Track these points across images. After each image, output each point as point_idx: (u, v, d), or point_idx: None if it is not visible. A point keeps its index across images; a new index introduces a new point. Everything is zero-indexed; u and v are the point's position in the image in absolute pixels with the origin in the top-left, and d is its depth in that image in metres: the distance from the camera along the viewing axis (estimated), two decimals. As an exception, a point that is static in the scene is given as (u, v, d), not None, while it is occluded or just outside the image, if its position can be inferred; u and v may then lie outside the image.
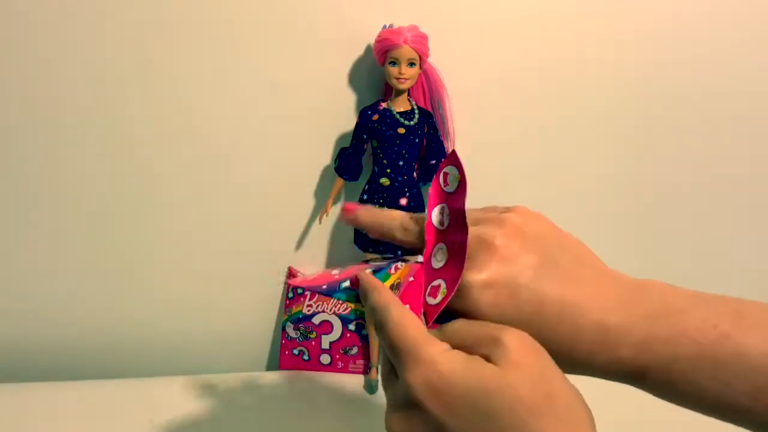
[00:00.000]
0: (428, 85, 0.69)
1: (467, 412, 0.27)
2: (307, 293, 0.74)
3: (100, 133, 0.69)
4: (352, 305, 0.35)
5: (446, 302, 0.31)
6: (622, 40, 0.73)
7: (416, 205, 0.69)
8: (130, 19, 0.66)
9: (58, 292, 0.74)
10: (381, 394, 0.71)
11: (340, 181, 0.69)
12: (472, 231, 0.33)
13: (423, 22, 0.66)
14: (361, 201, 0.69)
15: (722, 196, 0.80)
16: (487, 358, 0.28)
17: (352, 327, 0.74)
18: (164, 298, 0.76)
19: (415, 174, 0.69)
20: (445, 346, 0.29)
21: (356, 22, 0.67)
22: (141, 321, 0.76)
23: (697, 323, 0.30)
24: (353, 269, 0.36)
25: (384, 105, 0.68)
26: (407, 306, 0.32)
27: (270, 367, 0.80)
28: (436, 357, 0.28)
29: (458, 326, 0.31)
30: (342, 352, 0.75)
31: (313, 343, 0.75)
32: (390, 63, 0.65)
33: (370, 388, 0.72)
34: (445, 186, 0.35)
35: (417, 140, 0.68)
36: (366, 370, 0.76)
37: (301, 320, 0.75)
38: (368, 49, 0.68)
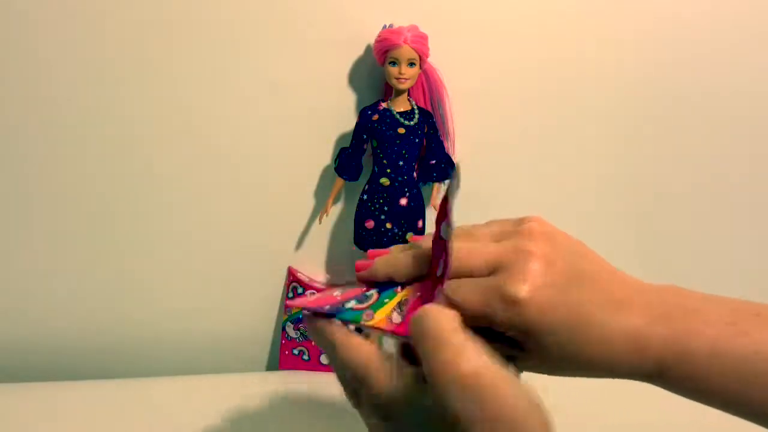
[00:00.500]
0: (428, 85, 0.69)
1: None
2: (307, 293, 0.74)
3: (100, 133, 0.69)
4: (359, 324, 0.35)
5: (450, 261, 0.32)
6: (622, 40, 0.73)
7: (416, 205, 0.69)
8: (130, 19, 0.66)
9: (58, 292, 0.74)
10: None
11: (340, 181, 0.69)
12: (504, 244, 0.34)
13: (423, 22, 0.66)
14: (361, 201, 0.69)
15: (722, 196, 0.80)
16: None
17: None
18: (164, 298, 0.76)
19: (415, 174, 0.69)
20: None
21: (356, 22, 0.67)
22: (141, 321, 0.76)
23: (713, 320, 0.31)
24: (356, 290, 0.36)
25: (384, 105, 0.68)
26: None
27: (270, 367, 0.80)
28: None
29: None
30: (342, 352, 0.75)
31: (313, 343, 0.75)
32: (390, 63, 0.65)
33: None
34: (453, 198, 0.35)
35: (417, 140, 0.68)
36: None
37: (301, 320, 0.75)
38: (368, 49, 0.68)
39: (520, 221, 0.35)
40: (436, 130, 0.69)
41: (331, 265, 0.77)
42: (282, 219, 0.74)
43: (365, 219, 0.69)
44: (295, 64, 0.69)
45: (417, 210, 0.69)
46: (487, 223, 0.37)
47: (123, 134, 0.69)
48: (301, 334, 0.75)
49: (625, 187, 0.78)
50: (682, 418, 0.54)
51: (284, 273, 0.76)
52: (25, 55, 0.66)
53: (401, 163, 0.68)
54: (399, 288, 0.35)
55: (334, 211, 0.74)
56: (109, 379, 0.72)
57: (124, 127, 0.69)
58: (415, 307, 0.33)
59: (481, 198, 0.75)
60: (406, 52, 0.64)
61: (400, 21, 0.65)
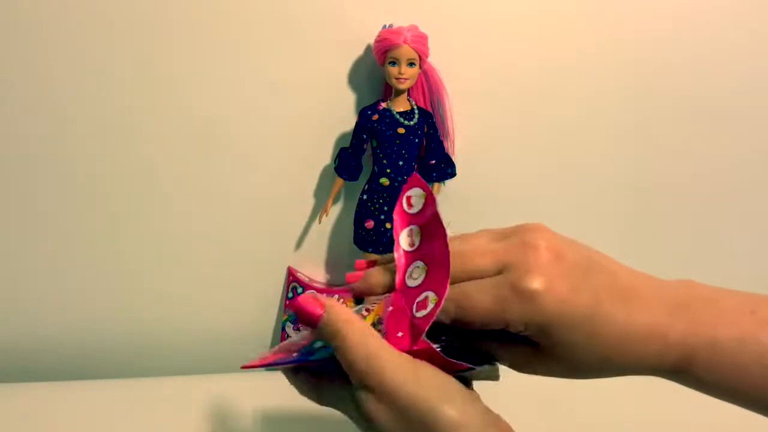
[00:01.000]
0: (428, 85, 0.69)
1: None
2: (307, 293, 0.74)
3: (100, 133, 0.69)
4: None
5: (440, 306, 0.31)
6: (622, 40, 0.73)
7: (416, 205, 0.69)
8: (130, 19, 0.66)
9: (58, 292, 0.74)
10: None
11: (340, 181, 0.69)
12: (510, 241, 0.33)
13: (423, 22, 0.66)
14: (361, 201, 0.69)
15: (723, 196, 0.80)
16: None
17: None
18: (164, 298, 0.76)
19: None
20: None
21: (356, 22, 0.67)
22: (141, 321, 0.76)
23: (734, 307, 0.31)
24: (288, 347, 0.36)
25: (384, 105, 0.68)
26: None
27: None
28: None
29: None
30: (342, 352, 0.75)
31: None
32: (390, 63, 0.65)
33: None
34: (409, 209, 0.35)
35: (417, 140, 0.68)
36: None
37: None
38: (368, 49, 0.68)
39: (519, 225, 0.35)
40: (435, 130, 0.69)
41: (331, 265, 0.77)
42: (282, 219, 0.74)
43: (365, 219, 0.69)
44: (295, 64, 0.69)
45: (417, 210, 0.69)
46: (481, 230, 0.36)
47: (123, 134, 0.69)
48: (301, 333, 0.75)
49: (624, 187, 0.78)
50: (686, 418, 0.54)
51: (284, 273, 0.76)
52: (26, 56, 0.66)
53: (401, 163, 0.68)
54: (365, 311, 0.34)
55: (334, 211, 0.74)
56: (109, 379, 0.72)
57: (124, 127, 0.69)
58: (392, 322, 0.33)
59: (481, 198, 0.75)
60: (405, 52, 0.64)
61: (400, 21, 0.65)
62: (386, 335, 0.32)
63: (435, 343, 0.32)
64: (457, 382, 0.31)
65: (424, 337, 0.31)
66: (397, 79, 0.65)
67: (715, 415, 0.34)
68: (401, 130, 0.67)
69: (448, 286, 0.31)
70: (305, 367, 0.35)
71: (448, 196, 0.73)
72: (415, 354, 0.31)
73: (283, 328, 0.76)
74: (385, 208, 0.68)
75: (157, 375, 0.74)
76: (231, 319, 0.77)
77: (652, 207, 0.79)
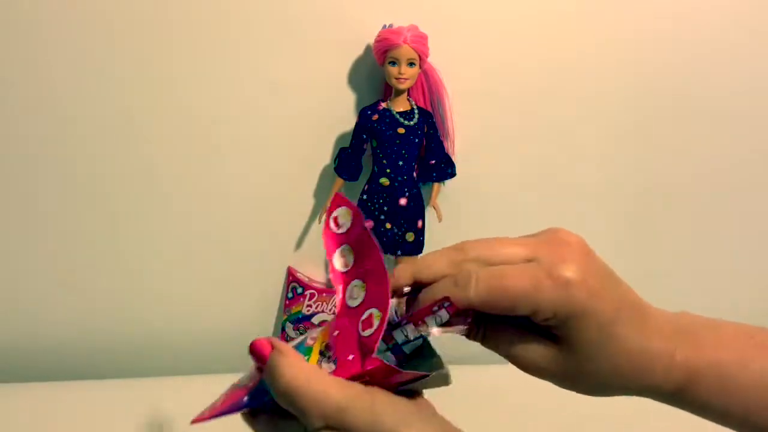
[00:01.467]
0: (428, 85, 0.69)
1: None
2: (307, 293, 0.74)
3: (100, 133, 0.69)
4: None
5: (385, 322, 0.31)
6: (622, 40, 0.73)
7: (416, 205, 0.69)
8: (131, 19, 0.66)
9: (58, 292, 0.74)
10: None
11: (340, 181, 0.69)
12: (538, 237, 0.33)
13: (423, 22, 0.66)
14: (361, 201, 0.69)
15: (723, 197, 0.80)
16: None
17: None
18: (164, 298, 0.76)
19: (415, 174, 0.69)
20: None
21: (356, 22, 0.67)
22: (141, 321, 0.76)
23: (733, 333, 0.32)
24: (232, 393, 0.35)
25: (384, 105, 0.68)
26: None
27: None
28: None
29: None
30: (342, 352, 0.75)
31: None
32: (390, 63, 0.65)
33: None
34: (338, 229, 0.34)
35: (417, 140, 0.68)
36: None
37: (301, 320, 0.75)
38: (368, 49, 0.68)
39: (546, 229, 0.35)
40: (435, 130, 0.69)
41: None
42: (282, 219, 0.74)
43: (365, 219, 0.69)
44: (295, 64, 0.69)
45: (417, 210, 0.69)
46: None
47: (123, 134, 0.69)
48: (300, 334, 0.75)
49: (624, 187, 0.78)
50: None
51: (284, 273, 0.76)
52: (26, 56, 0.66)
53: (401, 163, 0.68)
54: (310, 340, 0.34)
55: (334, 211, 0.74)
56: (109, 379, 0.72)
57: (124, 128, 0.69)
58: (340, 346, 0.32)
59: (481, 197, 0.75)
60: (405, 52, 0.64)
61: (400, 21, 0.65)
62: (337, 361, 0.32)
63: (386, 351, 0.31)
64: (413, 402, 0.32)
65: (375, 354, 0.31)
66: (397, 79, 0.65)
67: None
68: (401, 130, 0.67)
69: (390, 299, 0.31)
70: (261, 408, 0.34)
71: (448, 196, 0.73)
72: (370, 373, 0.31)
73: (283, 328, 0.76)
74: (385, 208, 0.68)
75: (157, 375, 0.74)
76: (231, 319, 0.77)
77: (652, 207, 0.79)
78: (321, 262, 0.77)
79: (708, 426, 0.34)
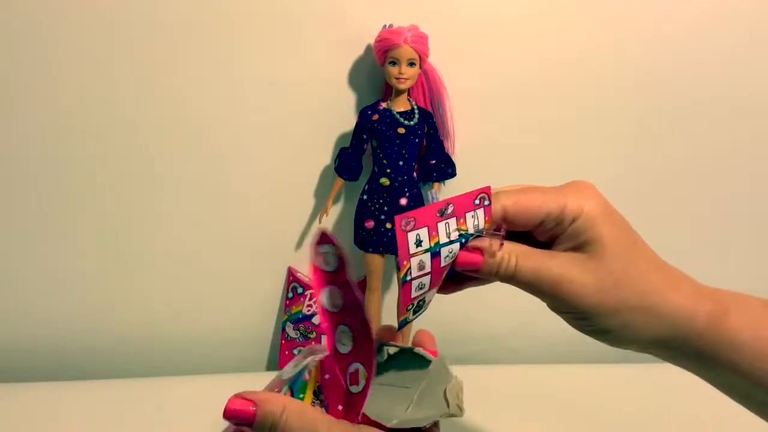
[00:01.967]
0: (428, 85, 0.69)
1: None
2: (307, 293, 0.74)
3: (100, 133, 0.69)
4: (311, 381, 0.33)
5: (370, 384, 0.30)
6: (623, 41, 0.73)
7: (416, 205, 0.69)
8: (131, 19, 0.66)
9: (58, 292, 0.74)
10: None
11: (340, 181, 0.69)
12: (564, 187, 0.35)
13: (423, 22, 0.66)
14: (361, 201, 0.69)
15: (723, 197, 0.80)
16: None
17: None
18: (164, 298, 0.76)
19: (415, 174, 0.69)
20: None
21: (356, 22, 0.67)
22: (141, 321, 0.76)
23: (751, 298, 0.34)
24: (271, 390, 0.35)
25: (384, 105, 0.68)
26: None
27: (270, 367, 0.80)
28: None
29: None
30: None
31: (313, 343, 0.75)
32: (390, 63, 0.65)
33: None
34: (326, 266, 0.33)
35: (417, 140, 0.68)
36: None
37: (301, 320, 0.75)
38: (368, 49, 0.68)
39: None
40: (436, 130, 0.69)
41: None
42: (282, 219, 0.74)
43: (365, 219, 0.69)
44: (295, 64, 0.69)
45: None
46: None
47: (123, 134, 0.69)
48: (301, 334, 0.75)
49: (625, 187, 0.78)
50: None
51: (284, 273, 0.76)
52: (26, 56, 0.66)
53: (401, 163, 0.68)
54: (306, 374, 0.34)
55: (334, 211, 0.74)
56: (109, 379, 0.72)
57: (124, 128, 0.69)
58: (330, 393, 0.32)
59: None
60: (406, 52, 0.64)
61: (400, 21, 0.65)
62: (328, 407, 0.32)
63: (425, 253, 0.32)
64: None
65: (361, 413, 0.31)
66: (397, 79, 0.65)
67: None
68: (401, 130, 0.67)
69: (374, 359, 0.31)
70: None
71: (448, 196, 0.73)
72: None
73: (284, 328, 0.76)
74: (385, 208, 0.68)
75: (157, 375, 0.74)
76: (231, 319, 0.77)
77: (652, 207, 0.79)
78: (321, 262, 0.76)
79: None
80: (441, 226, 0.33)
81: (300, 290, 0.75)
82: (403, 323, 0.35)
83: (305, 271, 0.76)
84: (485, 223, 0.34)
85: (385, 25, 0.65)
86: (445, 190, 0.73)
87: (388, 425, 0.31)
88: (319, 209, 0.74)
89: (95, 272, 0.74)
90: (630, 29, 0.72)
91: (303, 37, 0.68)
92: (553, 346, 0.78)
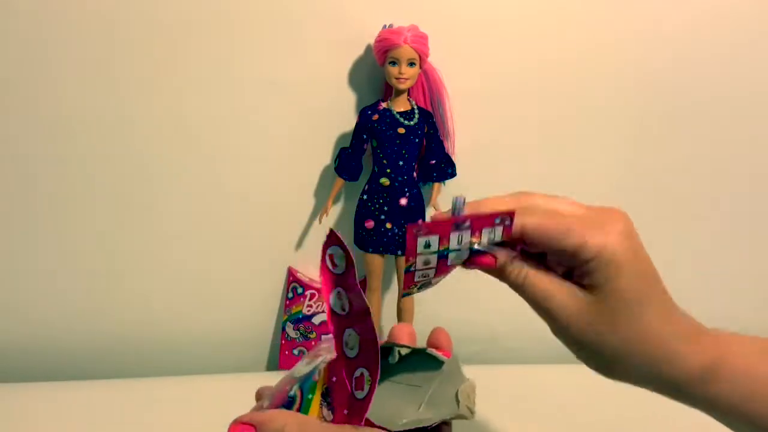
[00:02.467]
0: (428, 85, 0.69)
1: None
2: (307, 293, 0.74)
3: (100, 134, 0.69)
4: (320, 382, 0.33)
5: (374, 389, 0.30)
6: (623, 41, 0.73)
7: (416, 205, 0.69)
8: (131, 19, 0.66)
9: (58, 292, 0.74)
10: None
11: (340, 181, 0.69)
12: (589, 208, 0.35)
13: (423, 22, 0.66)
14: (361, 201, 0.69)
15: (724, 196, 0.80)
16: None
17: None
18: (165, 298, 0.76)
19: (415, 174, 0.69)
20: None
21: (356, 22, 0.67)
22: (141, 321, 0.76)
23: (750, 337, 0.34)
24: (279, 396, 0.35)
25: (384, 105, 0.68)
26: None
27: (270, 367, 0.80)
28: None
29: None
30: (342, 352, 0.75)
31: (313, 343, 0.75)
32: (390, 63, 0.65)
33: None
34: (333, 268, 0.33)
35: (417, 140, 0.68)
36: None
37: (301, 320, 0.75)
38: (368, 49, 0.68)
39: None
40: (436, 130, 0.69)
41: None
42: (282, 219, 0.74)
43: (365, 219, 0.69)
44: (295, 64, 0.69)
45: (417, 210, 0.69)
46: None
47: (124, 135, 0.69)
48: (301, 334, 0.75)
49: (625, 187, 0.78)
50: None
51: (284, 273, 0.76)
52: (26, 56, 0.66)
53: (401, 163, 0.68)
54: (316, 374, 0.33)
55: (334, 211, 0.74)
56: (109, 379, 0.72)
57: (124, 128, 0.69)
58: (339, 398, 0.32)
59: (481, 198, 0.75)
60: (406, 52, 0.64)
61: (400, 21, 0.65)
62: (334, 411, 0.32)
63: (433, 254, 0.32)
64: None
65: (365, 419, 0.31)
66: (397, 79, 0.65)
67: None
68: (401, 130, 0.67)
69: (379, 364, 0.31)
70: None
71: (448, 196, 0.73)
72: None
73: (284, 328, 0.76)
74: (385, 208, 0.68)
75: (157, 375, 0.74)
76: (231, 319, 0.77)
77: (653, 207, 0.79)
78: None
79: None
80: (453, 236, 0.33)
81: (300, 290, 0.75)
82: (406, 294, 0.36)
83: (305, 271, 0.76)
84: (502, 238, 0.34)
85: (385, 25, 0.65)
86: (445, 190, 0.73)
87: (396, 428, 0.31)
88: (319, 209, 0.74)
89: (95, 272, 0.74)
90: (630, 29, 0.72)
91: (303, 37, 0.68)
92: (553, 346, 0.78)
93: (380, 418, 0.31)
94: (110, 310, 0.75)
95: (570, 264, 0.34)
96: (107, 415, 0.66)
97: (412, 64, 0.65)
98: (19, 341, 0.75)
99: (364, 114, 0.68)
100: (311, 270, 0.76)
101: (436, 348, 0.37)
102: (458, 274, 0.36)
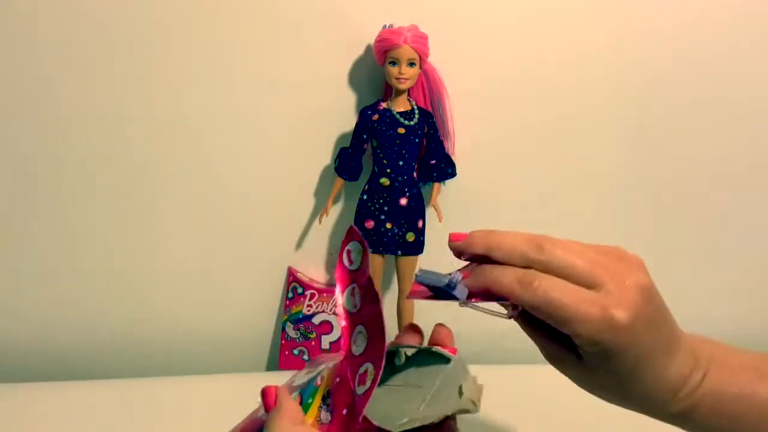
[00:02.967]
0: (428, 85, 0.69)
1: None
2: (307, 293, 0.74)
3: (100, 134, 0.69)
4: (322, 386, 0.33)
5: (376, 384, 0.30)
6: (623, 40, 0.72)
7: (416, 205, 0.69)
8: (131, 19, 0.66)
9: (58, 292, 0.74)
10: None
11: (340, 181, 0.69)
12: (608, 259, 0.34)
13: (423, 22, 0.66)
14: (361, 201, 0.69)
15: (723, 196, 0.80)
16: None
17: None
18: (164, 298, 0.76)
19: (415, 174, 0.69)
20: None
21: (356, 22, 0.67)
22: (141, 321, 0.76)
23: (740, 364, 0.36)
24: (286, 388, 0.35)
25: (384, 105, 0.68)
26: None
27: (270, 367, 0.80)
28: None
29: None
30: (342, 352, 0.75)
31: (313, 343, 0.75)
32: (390, 63, 0.65)
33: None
34: (350, 265, 0.34)
35: (417, 140, 0.68)
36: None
37: (301, 320, 0.75)
38: (368, 49, 0.68)
39: (616, 247, 0.36)
40: (436, 130, 0.69)
41: (331, 265, 0.77)
42: (282, 219, 0.74)
43: (365, 219, 0.69)
44: (295, 64, 0.69)
45: (417, 210, 0.69)
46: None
47: (124, 135, 0.69)
48: (301, 334, 0.75)
49: (625, 188, 0.78)
50: None
51: (284, 273, 0.76)
52: (25, 56, 0.66)
53: (401, 163, 0.68)
54: (318, 380, 0.34)
55: (334, 211, 0.74)
56: (109, 379, 0.72)
57: (124, 127, 0.69)
58: (338, 397, 0.32)
59: (481, 198, 0.75)
60: (406, 52, 0.64)
61: (400, 21, 0.65)
62: (333, 412, 0.32)
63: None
64: None
65: (362, 414, 0.31)
66: (397, 79, 0.65)
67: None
68: (401, 130, 0.67)
69: (384, 357, 0.31)
70: None
71: (448, 196, 0.73)
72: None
73: (284, 328, 0.76)
74: (385, 208, 0.68)
75: (157, 375, 0.74)
76: (231, 319, 0.77)
77: (653, 207, 0.79)
78: (321, 262, 0.77)
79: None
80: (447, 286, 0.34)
81: (300, 290, 0.75)
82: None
83: (305, 271, 0.76)
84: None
85: (385, 25, 0.65)
86: (445, 190, 0.73)
87: (396, 429, 0.31)
88: (319, 209, 0.74)
89: (95, 272, 0.74)
90: (630, 29, 0.72)
91: (303, 37, 0.68)
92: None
93: (381, 418, 0.32)
94: (110, 310, 0.75)
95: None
96: (107, 415, 0.66)
97: (412, 64, 0.65)
98: (19, 341, 0.75)
99: (364, 114, 0.68)
100: (311, 270, 0.76)
101: (440, 345, 0.37)
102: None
